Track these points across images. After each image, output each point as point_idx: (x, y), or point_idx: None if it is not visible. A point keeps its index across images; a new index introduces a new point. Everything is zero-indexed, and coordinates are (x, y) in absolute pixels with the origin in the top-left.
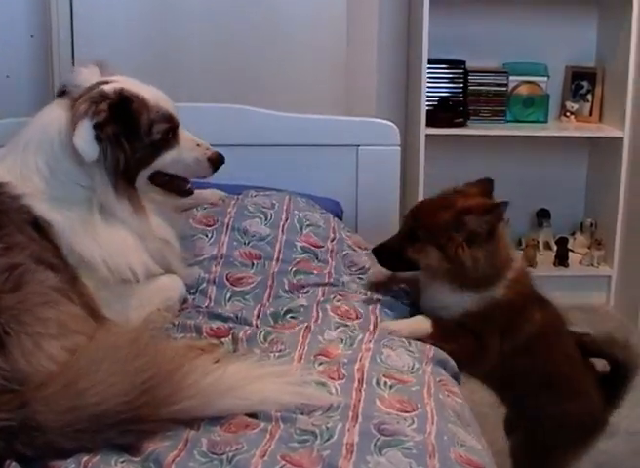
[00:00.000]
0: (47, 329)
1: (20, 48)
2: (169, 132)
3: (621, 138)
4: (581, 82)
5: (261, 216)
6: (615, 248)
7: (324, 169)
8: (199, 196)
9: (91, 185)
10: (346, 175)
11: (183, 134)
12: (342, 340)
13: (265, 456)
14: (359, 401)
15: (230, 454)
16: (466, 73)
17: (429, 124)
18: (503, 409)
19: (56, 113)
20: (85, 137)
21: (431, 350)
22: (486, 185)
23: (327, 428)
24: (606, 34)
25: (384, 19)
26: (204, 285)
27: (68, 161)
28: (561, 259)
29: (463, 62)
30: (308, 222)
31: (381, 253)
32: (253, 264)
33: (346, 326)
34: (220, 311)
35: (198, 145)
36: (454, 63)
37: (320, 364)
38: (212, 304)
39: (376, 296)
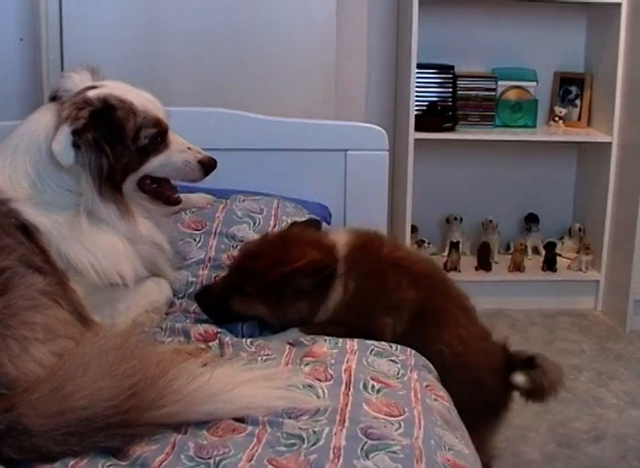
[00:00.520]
0: (34, 333)
1: (9, 51)
2: (157, 137)
3: (610, 143)
4: (570, 87)
5: (250, 222)
6: (603, 253)
7: (312, 173)
8: (187, 200)
9: (78, 190)
10: (335, 179)
11: (173, 137)
12: (326, 339)
13: (252, 460)
14: (346, 405)
15: (217, 458)
16: (455, 78)
17: (418, 128)
18: None
19: (44, 118)
20: (62, 143)
21: (412, 357)
22: (315, 225)
23: (314, 432)
24: (594, 40)
25: (373, 23)
26: (192, 288)
27: (56, 166)
28: (549, 264)
29: (452, 67)
30: None
31: (206, 301)
32: None
33: None
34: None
35: (189, 148)
36: (442, 68)
37: (307, 364)
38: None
39: None
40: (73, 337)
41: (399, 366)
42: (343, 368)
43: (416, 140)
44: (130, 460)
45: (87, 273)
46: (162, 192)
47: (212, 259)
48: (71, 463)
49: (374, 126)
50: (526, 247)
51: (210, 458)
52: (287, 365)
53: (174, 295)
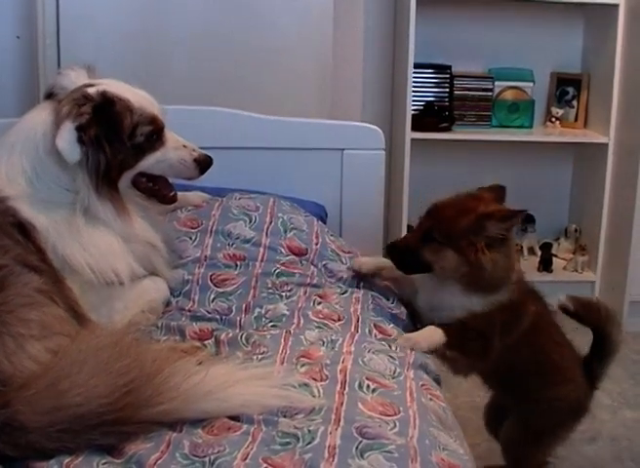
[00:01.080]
0: (30, 330)
1: (5, 49)
2: (153, 134)
3: (606, 144)
4: (567, 88)
5: (246, 219)
6: (599, 253)
7: (309, 172)
8: (183, 198)
9: (75, 188)
10: (331, 178)
11: (169, 135)
12: (324, 343)
13: (247, 459)
14: (341, 404)
15: (212, 457)
16: (452, 78)
17: (414, 128)
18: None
19: (41, 116)
20: (67, 140)
21: (411, 355)
22: (499, 191)
23: (309, 431)
24: (592, 40)
25: (370, 23)
26: (188, 286)
27: (53, 164)
28: (545, 265)
29: (449, 67)
30: (292, 226)
31: (396, 251)
32: (236, 265)
33: (329, 328)
34: (203, 312)
35: (185, 146)
36: (439, 68)
37: (302, 365)
38: (195, 306)
39: (355, 295)
40: (69, 335)
41: (396, 363)
42: (339, 368)
43: (412, 140)
44: (125, 458)
45: (83, 271)
46: (158, 190)
47: (208, 258)
48: (66, 461)
49: (370, 125)
50: (522, 247)
51: (205, 457)
52: (282, 362)
53: (170, 294)
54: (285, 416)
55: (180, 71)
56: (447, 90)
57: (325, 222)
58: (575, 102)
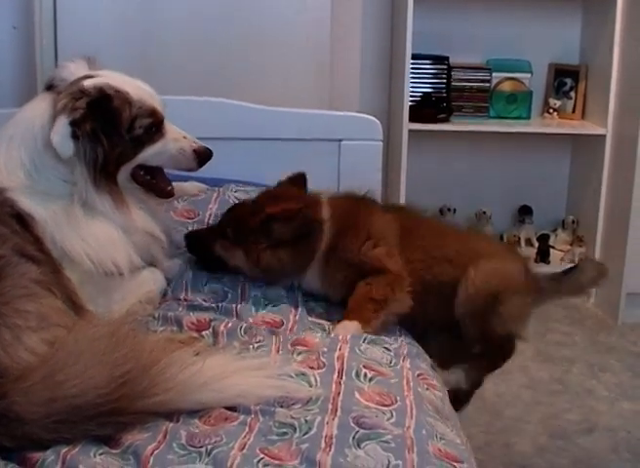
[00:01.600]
0: (26, 321)
1: (2, 40)
2: (152, 127)
3: (604, 136)
4: (565, 79)
5: None
6: (596, 245)
7: (306, 163)
8: (180, 188)
9: (73, 180)
10: (328, 169)
11: (169, 127)
12: (319, 333)
13: (244, 449)
14: (338, 394)
15: (209, 447)
16: (450, 69)
17: (412, 119)
18: (487, 408)
19: (40, 107)
20: (61, 134)
21: (405, 347)
22: (299, 180)
23: (306, 421)
24: (590, 32)
25: (368, 14)
26: (185, 277)
27: (51, 156)
28: (542, 256)
29: (447, 58)
30: None
31: (192, 240)
32: None
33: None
34: (199, 301)
35: (184, 138)
36: (437, 59)
37: (299, 354)
38: (189, 292)
39: None
40: (66, 326)
41: (392, 354)
42: (336, 355)
43: (410, 131)
44: (122, 448)
45: (82, 262)
46: (155, 184)
47: None
48: (63, 451)
49: (368, 116)
50: (519, 239)
51: (202, 447)
52: (278, 351)
53: (167, 285)
54: (282, 406)
55: (178, 61)
56: (445, 81)
57: None
58: (572, 94)
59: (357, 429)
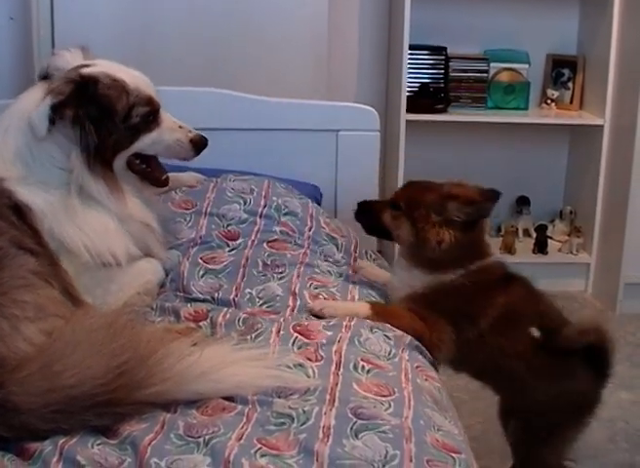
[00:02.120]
0: (24, 311)
1: None
2: (149, 115)
3: (602, 126)
4: (562, 70)
5: (240, 201)
6: (594, 235)
7: (304, 153)
8: (177, 179)
9: (69, 167)
10: (326, 159)
11: (165, 116)
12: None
13: (242, 439)
14: (336, 384)
15: (207, 437)
16: (447, 59)
17: (410, 110)
18: (485, 399)
19: (35, 97)
20: (40, 114)
21: (407, 337)
22: (489, 192)
23: (304, 411)
24: (587, 22)
25: (366, 4)
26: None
27: (47, 143)
28: (540, 247)
29: (444, 49)
30: (286, 210)
31: (362, 208)
32: (228, 245)
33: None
34: (196, 293)
35: (180, 127)
36: (435, 49)
37: (299, 347)
38: (184, 282)
39: (351, 278)
40: (63, 316)
41: (392, 343)
42: (334, 348)
43: (407, 122)
44: (119, 439)
45: (80, 254)
46: (151, 173)
47: (202, 239)
48: (61, 442)
49: (365, 107)
50: (517, 229)
51: (199, 437)
52: (278, 332)
53: (165, 276)
54: (279, 397)
55: (176, 52)
56: (442, 71)
57: (320, 204)
58: (570, 84)
59: (355, 419)
